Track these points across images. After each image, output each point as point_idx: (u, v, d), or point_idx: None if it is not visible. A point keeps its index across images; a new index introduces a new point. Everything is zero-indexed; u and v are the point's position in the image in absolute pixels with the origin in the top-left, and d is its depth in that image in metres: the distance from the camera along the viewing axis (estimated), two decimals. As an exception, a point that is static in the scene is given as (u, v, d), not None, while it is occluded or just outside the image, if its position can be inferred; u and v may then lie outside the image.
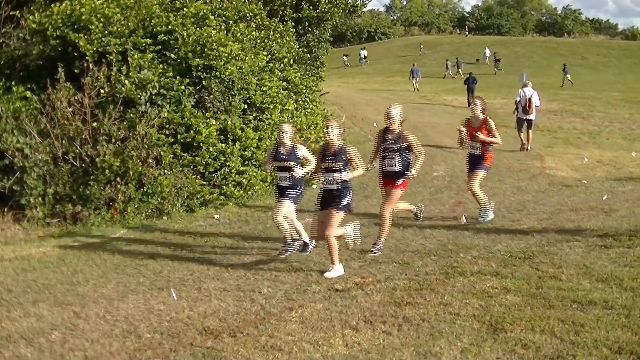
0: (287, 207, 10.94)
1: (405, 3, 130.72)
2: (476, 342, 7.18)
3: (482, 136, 12.86)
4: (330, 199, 10.14)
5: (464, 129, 13.10)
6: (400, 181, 11.24)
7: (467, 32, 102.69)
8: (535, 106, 24.17)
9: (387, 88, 52.16)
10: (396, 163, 11.18)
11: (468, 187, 13.48)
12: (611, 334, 7.27)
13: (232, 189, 14.90)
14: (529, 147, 24.05)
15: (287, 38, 19.47)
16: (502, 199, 15.79)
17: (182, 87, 14.44)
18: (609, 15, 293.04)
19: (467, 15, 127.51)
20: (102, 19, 14.42)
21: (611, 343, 7.02)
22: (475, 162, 13.22)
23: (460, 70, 63.88)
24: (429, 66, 67.95)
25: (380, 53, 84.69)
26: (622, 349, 6.89)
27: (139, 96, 13.92)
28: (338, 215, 10.03)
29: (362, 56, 77.34)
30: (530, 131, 24.31)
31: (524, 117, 24.16)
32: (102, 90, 13.96)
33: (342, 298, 8.77)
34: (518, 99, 24.52)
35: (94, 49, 14.09)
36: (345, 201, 10.09)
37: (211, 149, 14.55)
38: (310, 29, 24.20)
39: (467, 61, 71.25)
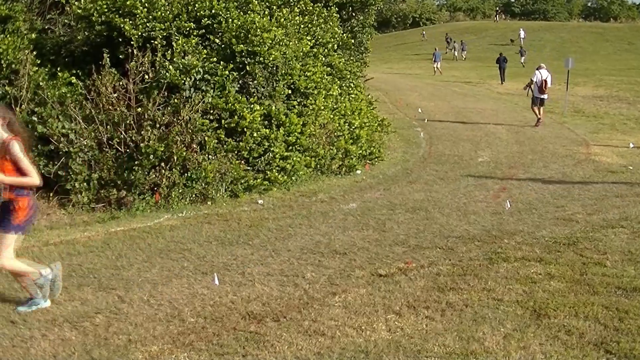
0: None
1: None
2: (519, 327, 7.19)
3: (1, 176, 7.51)
4: None
5: None
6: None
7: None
8: (549, 86, 26.62)
9: (431, 74, 51.86)
10: None
11: None
12: (656, 320, 7.26)
13: (276, 174, 14.87)
14: (542, 121, 26.58)
15: (331, 23, 19.38)
16: (547, 185, 15.69)
17: (226, 72, 14.42)
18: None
19: (513, 0, 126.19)
20: (146, 4, 14.42)
21: (655, 330, 7.01)
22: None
23: (464, 51, 67.64)
24: (473, 52, 67.66)
25: (425, 39, 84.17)
26: (667, 335, 6.88)
27: (183, 81, 13.92)
28: None
29: None
30: (542, 108, 26.86)
31: (539, 96, 26.55)
32: (146, 76, 13.98)
33: (386, 283, 8.75)
34: (535, 80, 26.56)
35: (139, 34, 14.11)
36: None
37: (255, 135, 14.52)
38: (354, 14, 24.07)
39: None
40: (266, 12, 16.37)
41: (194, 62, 14.03)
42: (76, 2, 14.54)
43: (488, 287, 8.51)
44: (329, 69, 17.99)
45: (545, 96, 26.76)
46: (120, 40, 14.22)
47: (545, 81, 26.24)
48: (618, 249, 10.04)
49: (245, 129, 14.40)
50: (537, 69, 26.96)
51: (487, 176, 16.91)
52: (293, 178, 15.34)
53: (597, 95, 35.58)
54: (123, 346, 7.04)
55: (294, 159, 15.36)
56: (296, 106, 15.88)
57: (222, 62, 14.51)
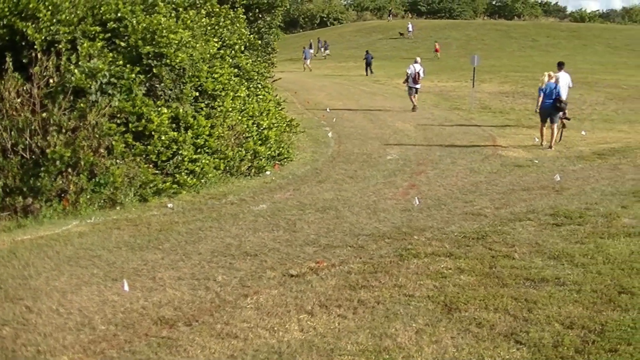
0: None
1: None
2: (431, 322, 7.36)
3: None
4: None
5: None
6: None
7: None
8: (421, 77, 30.81)
9: (340, 73, 52.24)
10: None
11: None
12: (563, 309, 7.56)
13: (185, 177, 14.79)
14: (416, 107, 30.28)
15: (238, 25, 19.38)
16: (455, 180, 15.98)
17: (133, 75, 14.28)
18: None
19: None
20: (50, 7, 14.15)
21: (563, 318, 7.31)
22: None
23: (327, 50, 72.77)
24: (381, 51, 68.33)
25: (332, 39, 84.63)
26: (574, 323, 7.17)
27: (89, 85, 13.73)
28: None
29: None
30: (416, 95, 30.73)
31: (414, 86, 30.58)
32: (51, 80, 13.74)
33: (297, 283, 8.83)
34: (409, 72, 30.56)
35: (43, 37, 13.85)
36: None
37: (163, 138, 14.42)
38: (261, 16, 24.16)
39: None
40: (172, 14, 16.28)
41: (100, 66, 13.86)
42: (-24, 5, 14.21)
43: (399, 283, 8.67)
44: (236, 70, 17.99)
45: (419, 86, 30.83)
46: (24, 44, 13.94)
47: (418, 73, 30.27)
48: (526, 242, 10.37)
49: (153, 132, 14.30)
50: (413, 64, 30.74)
51: (396, 173, 17.13)
52: (202, 180, 15.29)
53: (503, 92, 36.37)
54: (32, 358, 6.94)
55: (203, 161, 15.30)
56: (204, 108, 15.83)
57: (128, 65, 14.37)
